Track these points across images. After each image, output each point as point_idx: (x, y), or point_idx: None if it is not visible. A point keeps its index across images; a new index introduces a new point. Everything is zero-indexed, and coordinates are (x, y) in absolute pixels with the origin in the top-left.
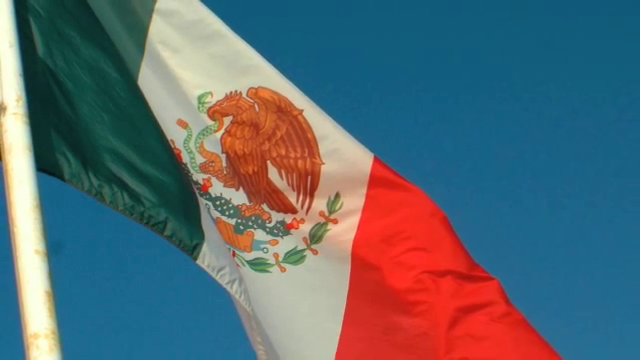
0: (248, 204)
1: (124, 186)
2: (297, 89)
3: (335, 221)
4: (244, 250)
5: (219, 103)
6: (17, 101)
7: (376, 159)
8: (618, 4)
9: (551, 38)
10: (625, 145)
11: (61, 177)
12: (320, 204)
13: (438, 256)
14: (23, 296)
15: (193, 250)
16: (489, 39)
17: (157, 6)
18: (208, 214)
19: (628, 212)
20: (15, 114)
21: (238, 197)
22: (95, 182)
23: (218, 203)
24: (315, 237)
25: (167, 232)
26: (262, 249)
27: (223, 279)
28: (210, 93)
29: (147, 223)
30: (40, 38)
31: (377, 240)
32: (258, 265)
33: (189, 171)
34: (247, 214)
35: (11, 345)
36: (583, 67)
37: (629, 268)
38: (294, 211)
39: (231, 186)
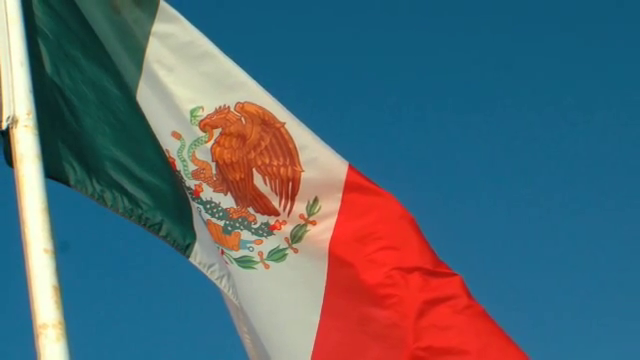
0: (235, 207)
1: (124, 191)
2: (280, 104)
3: (314, 223)
4: (232, 249)
5: (209, 116)
6: (27, 115)
7: (351, 167)
8: (570, 29)
9: (512, 57)
10: (579, 152)
11: (67, 183)
12: (300, 207)
13: (407, 254)
14: (33, 290)
15: (186, 249)
16: (455, 58)
17: (154, 29)
18: (199, 216)
19: (582, 214)
20: (26, 126)
21: (226, 201)
22: (98, 187)
23: (208, 206)
24: (296, 237)
25: (162, 233)
26: (248, 248)
27: (213, 275)
28: (201, 107)
29: (144, 224)
30: (48, 58)
31: (352, 240)
32: (244, 262)
33: (182, 178)
34: (235, 216)
35: (22, 334)
36: (540, 83)
37: (583, 266)
38: (277, 214)
39: (220, 191)
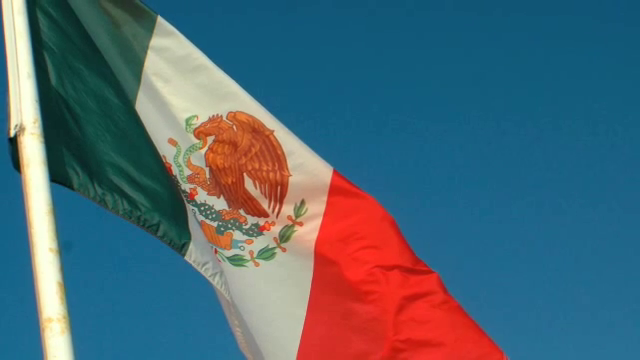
0: (228, 209)
1: (123, 194)
2: (269, 113)
3: (301, 224)
4: (224, 248)
5: (203, 125)
6: (34, 123)
7: (335, 172)
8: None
9: (484, 71)
10: (548, 158)
11: (71, 187)
12: (288, 209)
13: (387, 253)
14: (39, 286)
15: (181, 248)
16: (433, 72)
17: (151, 43)
18: (194, 218)
19: (551, 214)
20: (32, 134)
21: (219, 204)
22: (99, 191)
23: (202, 209)
24: (284, 237)
25: (160, 233)
26: (239, 247)
27: (207, 272)
28: (196, 116)
29: (143, 225)
30: (53, 70)
31: (336, 240)
32: (236, 261)
33: (178, 182)
34: (227, 218)
35: (29, 328)
36: (510, 94)
37: (552, 264)
38: (266, 215)
39: (213, 194)
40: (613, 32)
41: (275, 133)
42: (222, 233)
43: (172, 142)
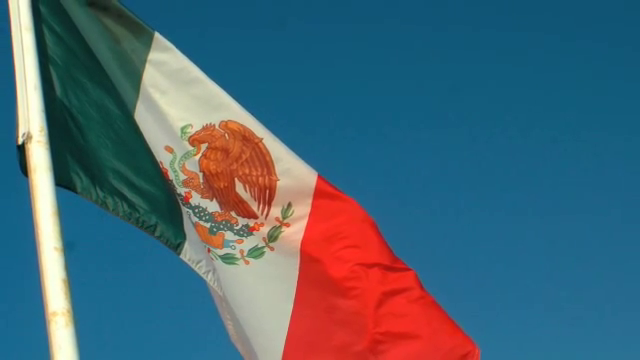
0: (220, 211)
1: (123, 197)
2: (258, 122)
3: (288, 225)
4: (217, 247)
5: (197, 133)
6: (40, 131)
7: (320, 176)
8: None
9: (459, 83)
10: (519, 164)
11: (74, 190)
12: (276, 211)
13: (368, 252)
14: (44, 283)
15: (177, 247)
16: (412, 83)
17: (149, 57)
18: (189, 219)
19: (518, 214)
20: (39, 141)
21: (212, 206)
22: (101, 194)
23: (197, 211)
24: (272, 237)
25: (157, 233)
26: (231, 246)
27: (200, 270)
28: (190, 125)
29: (141, 226)
30: (58, 82)
31: (320, 239)
32: (228, 259)
33: (174, 186)
34: (219, 219)
35: (35, 321)
36: (484, 105)
37: (518, 263)
38: (256, 217)
39: (207, 197)
40: (582, 45)
41: (264, 141)
42: (215, 233)
43: (168, 149)
